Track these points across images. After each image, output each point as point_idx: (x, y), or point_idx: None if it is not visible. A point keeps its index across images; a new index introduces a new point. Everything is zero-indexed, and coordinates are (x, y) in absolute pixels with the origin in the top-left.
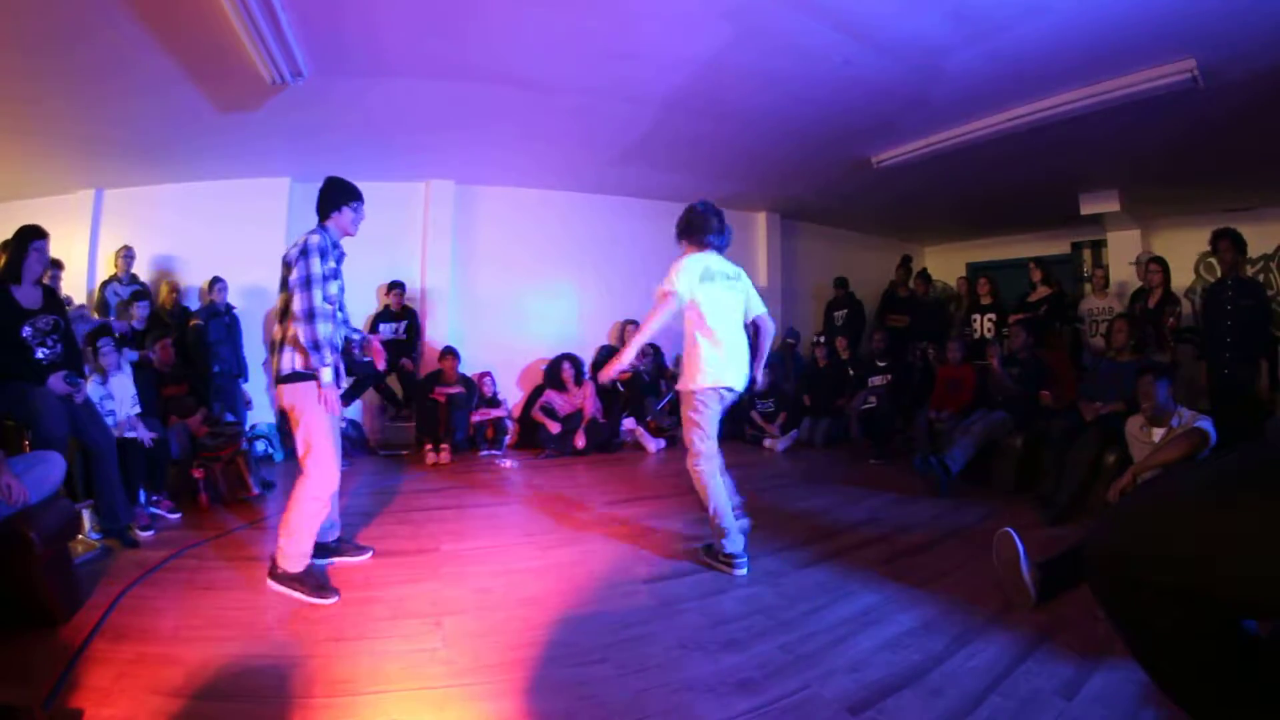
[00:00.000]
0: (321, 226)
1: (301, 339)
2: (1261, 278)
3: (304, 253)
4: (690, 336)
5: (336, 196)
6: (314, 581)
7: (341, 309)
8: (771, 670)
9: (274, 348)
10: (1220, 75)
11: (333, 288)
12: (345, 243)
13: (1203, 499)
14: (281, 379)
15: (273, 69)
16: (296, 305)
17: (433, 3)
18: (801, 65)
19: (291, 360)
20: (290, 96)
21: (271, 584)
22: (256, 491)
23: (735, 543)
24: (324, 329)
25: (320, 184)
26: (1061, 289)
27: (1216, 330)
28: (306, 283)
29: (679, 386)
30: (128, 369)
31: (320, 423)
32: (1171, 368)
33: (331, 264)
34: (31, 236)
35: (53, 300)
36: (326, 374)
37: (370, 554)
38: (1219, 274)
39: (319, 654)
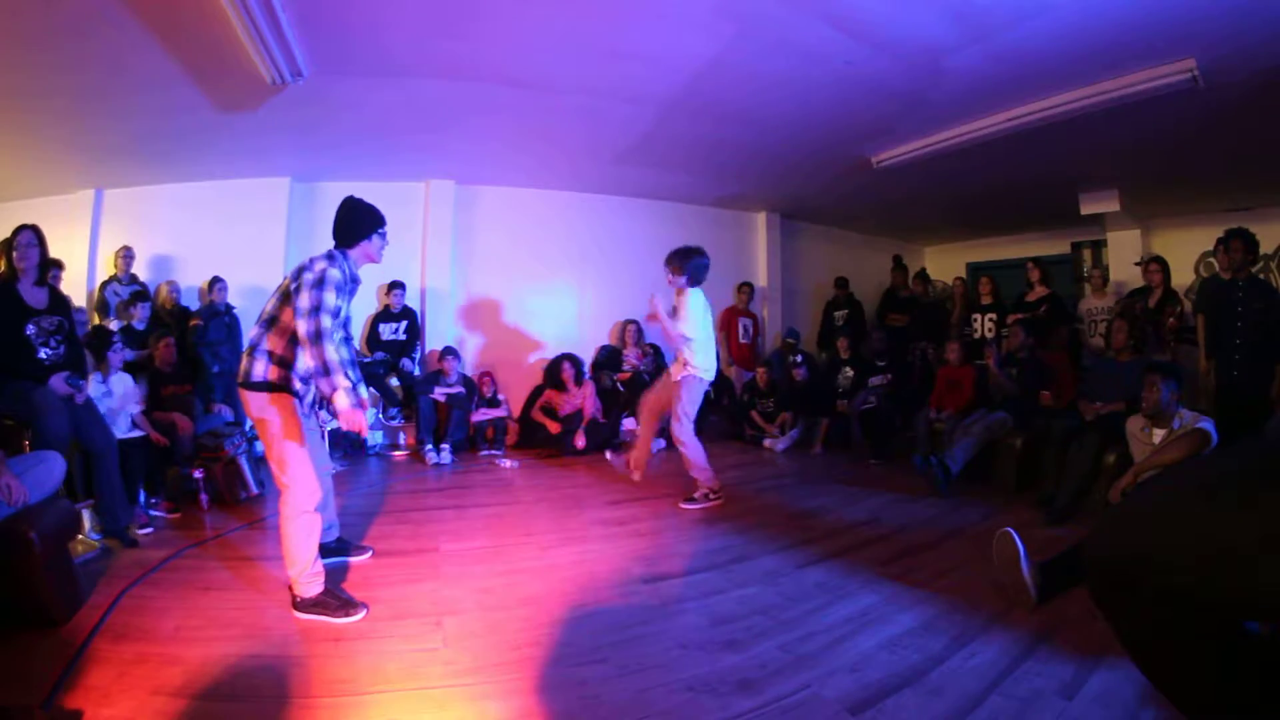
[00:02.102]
0: (343, 252)
1: (311, 362)
2: (1262, 278)
3: (319, 284)
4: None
5: (366, 224)
6: (338, 601)
7: (347, 340)
8: (771, 670)
9: (249, 351)
10: (1220, 75)
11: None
12: None
13: (1202, 500)
14: (251, 385)
15: (272, 69)
16: (302, 329)
17: (433, 3)
18: (802, 65)
19: (265, 369)
20: (290, 96)
21: (298, 614)
22: (256, 491)
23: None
24: (332, 350)
25: (341, 202)
26: (1054, 292)
27: (1224, 332)
28: (315, 309)
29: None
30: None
31: (293, 435)
32: (1180, 370)
33: (344, 302)
34: (17, 230)
35: (58, 301)
36: (342, 397)
37: (370, 553)
38: (1215, 272)
39: (319, 654)
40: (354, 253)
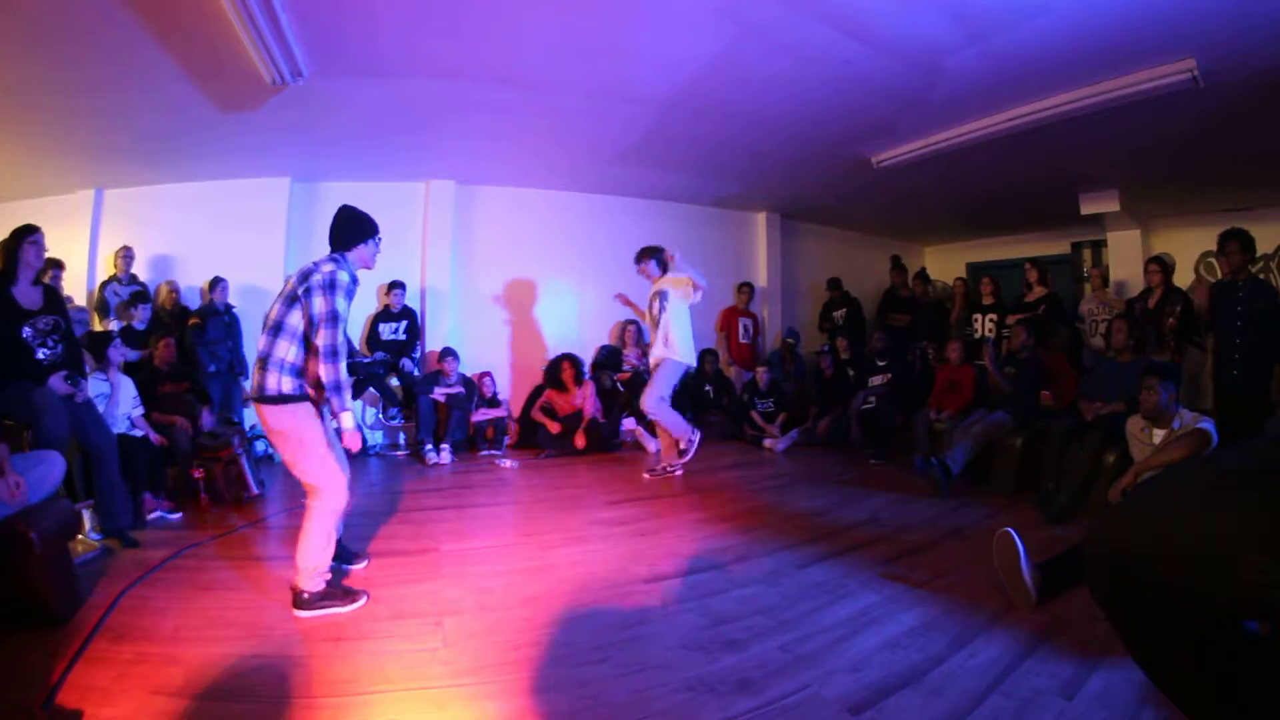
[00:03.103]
0: (343, 256)
1: (324, 378)
2: (1262, 278)
3: (332, 287)
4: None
5: (360, 231)
6: (340, 591)
7: (345, 339)
8: (771, 670)
9: (260, 364)
10: (1220, 75)
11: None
12: None
13: (1202, 500)
14: (268, 399)
15: (272, 69)
16: (323, 340)
17: (433, 3)
18: (802, 65)
19: (279, 381)
20: (290, 96)
21: (302, 613)
22: (256, 491)
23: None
24: (345, 368)
25: (337, 210)
26: (1053, 292)
27: (1225, 332)
28: (334, 319)
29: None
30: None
31: (318, 440)
32: (1179, 371)
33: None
34: (25, 231)
35: (53, 300)
36: (348, 419)
37: (367, 562)
38: (1219, 274)
39: (319, 654)
40: (351, 256)
